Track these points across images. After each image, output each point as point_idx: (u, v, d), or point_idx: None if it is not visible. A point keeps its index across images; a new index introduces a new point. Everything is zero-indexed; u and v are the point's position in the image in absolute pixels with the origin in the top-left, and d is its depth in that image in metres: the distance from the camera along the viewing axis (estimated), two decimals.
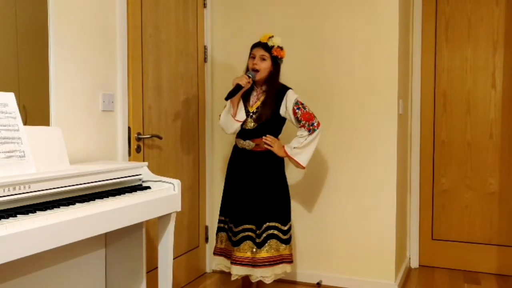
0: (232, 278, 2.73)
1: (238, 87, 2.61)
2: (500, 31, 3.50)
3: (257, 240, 2.69)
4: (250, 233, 2.70)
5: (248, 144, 2.74)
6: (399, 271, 3.33)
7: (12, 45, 2.02)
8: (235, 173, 2.81)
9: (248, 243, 2.69)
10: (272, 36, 2.71)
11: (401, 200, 3.43)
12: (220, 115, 2.81)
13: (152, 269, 2.79)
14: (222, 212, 2.86)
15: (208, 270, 3.58)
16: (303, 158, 2.73)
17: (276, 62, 2.72)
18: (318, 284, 3.31)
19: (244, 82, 2.62)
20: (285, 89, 2.75)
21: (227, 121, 2.73)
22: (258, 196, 2.71)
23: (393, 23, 3.10)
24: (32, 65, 2.11)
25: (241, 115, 2.71)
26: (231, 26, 3.48)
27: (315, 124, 2.72)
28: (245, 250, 2.68)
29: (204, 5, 3.46)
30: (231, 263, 2.71)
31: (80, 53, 2.30)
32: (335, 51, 3.24)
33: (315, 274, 3.34)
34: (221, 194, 2.92)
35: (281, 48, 2.71)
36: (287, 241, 2.76)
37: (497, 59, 3.52)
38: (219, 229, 2.86)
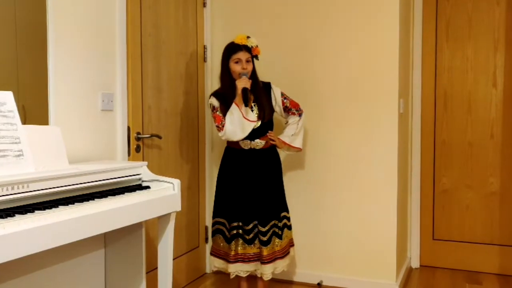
0: (266, 278, 2.75)
1: (246, 90, 2.64)
2: (501, 30, 3.49)
3: (280, 233, 2.78)
4: (275, 229, 2.77)
5: (259, 143, 2.76)
6: (400, 271, 3.32)
7: (11, 45, 2.01)
8: (245, 176, 2.76)
9: (275, 238, 2.76)
10: (249, 37, 2.76)
11: (402, 200, 3.42)
12: (218, 126, 2.69)
13: (151, 270, 2.78)
14: (232, 218, 2.76)
15: (208, 270, 3.56)
16: (299, 141, 2.91)
17: (253, 60, 2.80)
18: (319, 284, 3.30)
19: (249, 84, 2.67)
20: (267, 84, 2.87)
21: (238, 125, 2.65)
22: (274, 190, 2.81)
23: (394, 22, 3.09)
24: (31, 64, 2.10)
25: (252, 115, 2.70)
26: (231, 25, 3.47)
27: (301, 109, 2.92)
28: (274, 246, 2.76)
29: (204, 5, 3.45)
30: (262, 263, 2.72)
31: (79, 52, 2.29)
32: (335, 50, 3.22)
33: (315, 274, 3.33)
34: (223, 200, 2.83)
35: (257, 46, 2.79)
36: (291, 227, 2.93)
37: (498, 59, 3.51)
38: (234, 236, 2.75)
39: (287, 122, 2.91)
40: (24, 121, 1.94)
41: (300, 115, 2.89)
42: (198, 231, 3.45)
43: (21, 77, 2.05)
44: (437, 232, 3.73)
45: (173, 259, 2.58)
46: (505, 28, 3.48)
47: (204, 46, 3.47)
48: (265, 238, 2.73)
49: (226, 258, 2.78)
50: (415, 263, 3.77)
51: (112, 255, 2.28)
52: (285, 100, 2.86)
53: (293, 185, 3.32)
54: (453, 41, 3.62)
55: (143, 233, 2.25)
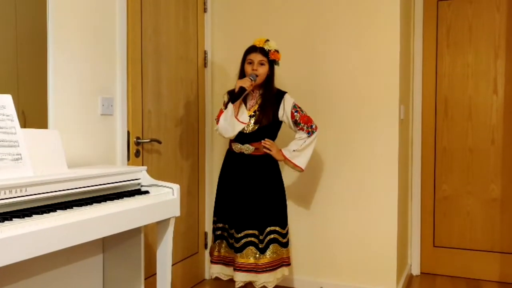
0: (237, 286, 2.70)
1: (242, 90, 2.62)
2: (502, 37, 3.49)
3: (260, 246, 2.68)
4: (253, 239, 2.68)
5: (247, 148, 2.73)
6: (400, 279, 3.30)
7: (12, 50, 2.00)
8: (233, 178, 2.77)
9: (251, 248, 2.67)
10: (268, 40, 2.72)
11: (403, 207, 3.40)
12: (217, 119, 2.74)
13: (150, 275, 2.76)
14: (220, 219, 2.81)
15: (207, 276, 3.54)
16: (302, 160, 2.76)
17: (273, 65, 2.75)
18: None
19: (248, 85, 2.63)
20: (281, 93, 2.79)
21: (229, 123, 2.65)
22: (259, 200, 2.71)
23: (394, 28, 3.08)
24: (31, 69, 2.09)
25: (244, 117, 2.69)
26: (231, 31, 3.47)
27: (314, 127, 2.78)
28: (248, 256, 2.67)
29: (205, 10, 3.45)
30: (234, 269, 2.68)
31: (79, 57, 2.29)
32: (335, 56, 3.22)
33: (315, 281, 3.31)
34: (217, 200, 2.87)
35: (278, 51, 2.73)
36: (286, 245, 2.80)
37: (498, 65, 3.50)
38: (218, 237, 2.82)
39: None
40: (24, 126, 1.93)
41: (309, 133, 2.74)
42: (197, 236, 3.44)
43: (21, 82, 2.04)
44: (438, 239, 3.71)
45: (172, 265, 2.57)
46: (506, 34, 3.48)
47: (205, 51, 3.46)
48: (237, 245, 2.68)
49: (211, 258, 2.83)
50: (416, 270, 3.74)
51: (111, 260, 2.26)
52: (295, 113, 2.73)
53: (293, 192, 3.31)
54: (453, 47, 3.62)
55: (142, 238, 2.23)
